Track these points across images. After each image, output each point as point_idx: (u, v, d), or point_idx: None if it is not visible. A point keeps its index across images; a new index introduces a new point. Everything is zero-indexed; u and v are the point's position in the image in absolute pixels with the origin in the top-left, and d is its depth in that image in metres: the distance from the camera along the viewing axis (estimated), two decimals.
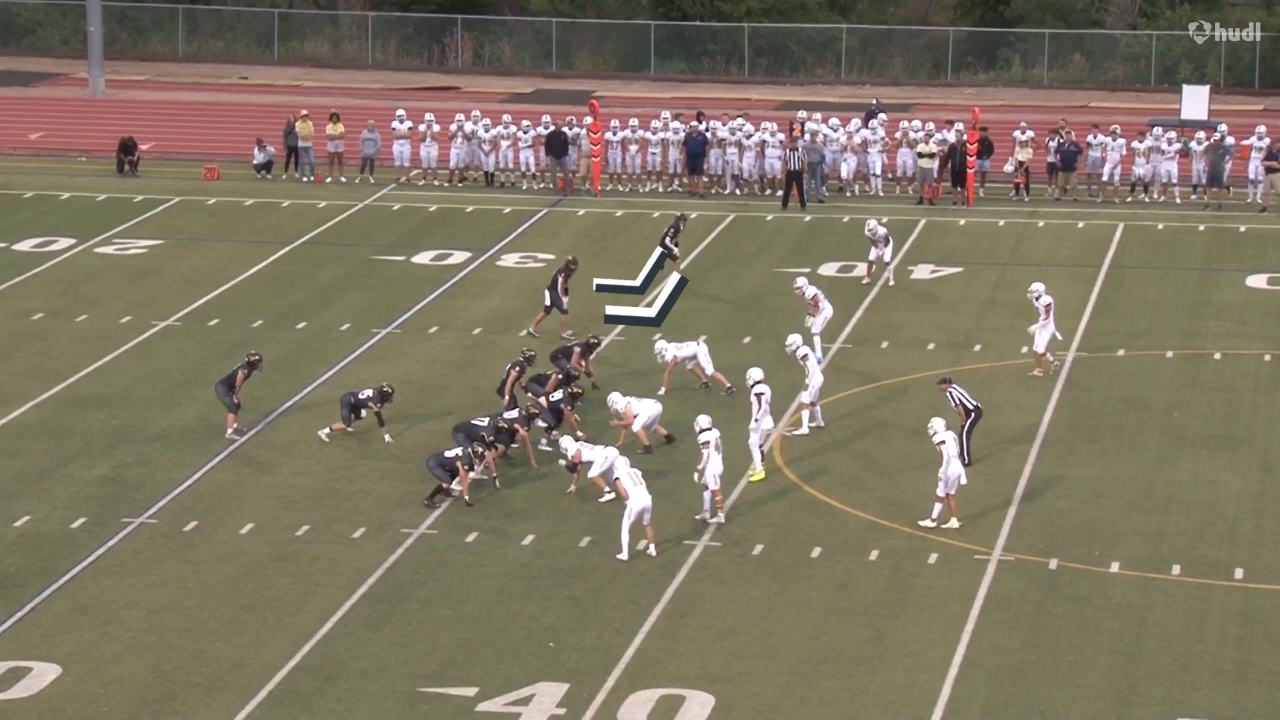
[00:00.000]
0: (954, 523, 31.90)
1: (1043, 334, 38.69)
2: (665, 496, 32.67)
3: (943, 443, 31.98)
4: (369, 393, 35.99)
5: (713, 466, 32.07)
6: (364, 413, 35.84)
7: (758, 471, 33.84)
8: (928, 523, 31.83)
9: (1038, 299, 38.80)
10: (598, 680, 27.04)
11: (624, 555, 30.85)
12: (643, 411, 34.94)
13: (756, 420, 33.81)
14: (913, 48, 72.60)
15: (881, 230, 45.04)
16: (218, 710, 26.34)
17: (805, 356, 35.93)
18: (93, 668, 27.54)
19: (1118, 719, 26.12)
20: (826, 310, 39.69)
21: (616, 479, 31.54)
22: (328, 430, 35.91)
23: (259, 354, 36.80)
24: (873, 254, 45.13)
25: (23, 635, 28.55)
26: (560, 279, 41.27)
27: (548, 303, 41.22)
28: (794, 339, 36.36)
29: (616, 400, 35.05)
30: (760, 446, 33.96)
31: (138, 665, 27.61)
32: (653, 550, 31.00)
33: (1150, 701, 26.48)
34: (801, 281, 40.57)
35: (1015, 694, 26.73)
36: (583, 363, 37.27)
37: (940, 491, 31.88)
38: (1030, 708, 26.37)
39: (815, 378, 36.02)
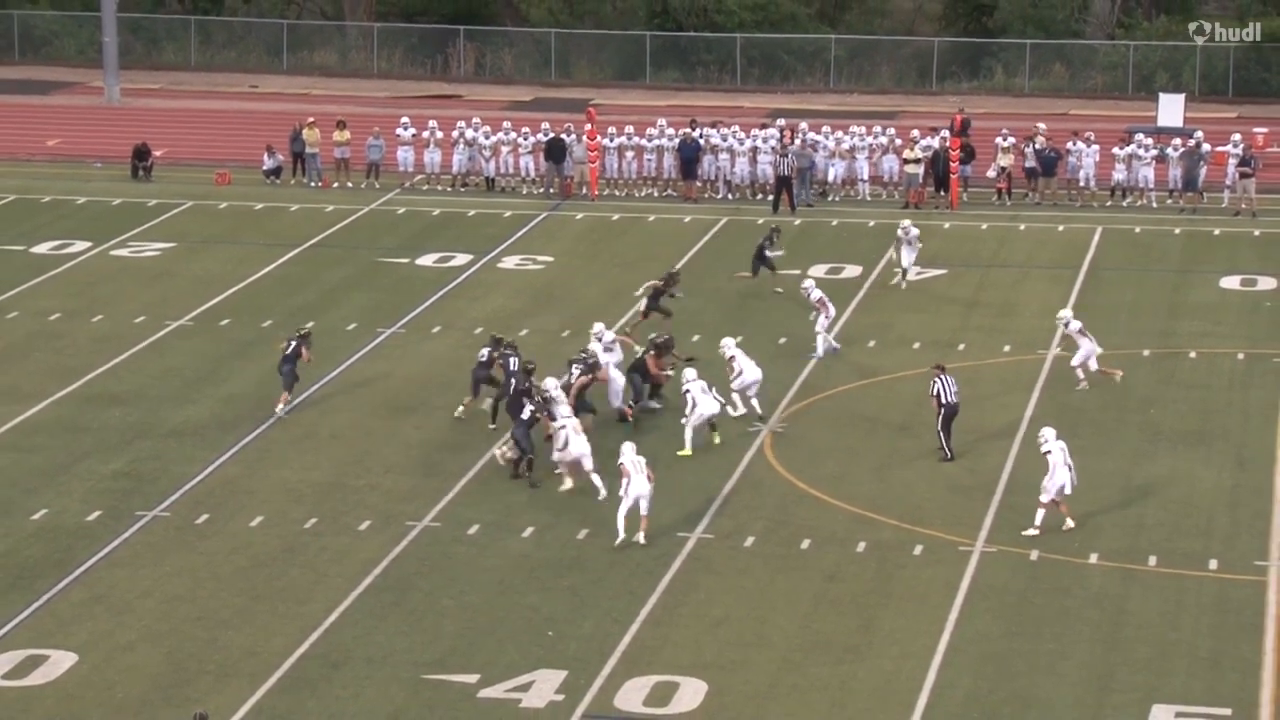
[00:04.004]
0: (1069, 523, 31.38)
1: (1084, 352, 37.92)
2: (664, 489, 32.73)
3: (1048, 452, 31.47)
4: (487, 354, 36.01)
5: (574, 447, 32.76)
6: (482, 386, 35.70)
7: (685, 449, 34.63)
8: (1031, 531, 31.22)
9: (1066, 326, 38.30)
10: (595, 667, 27.03)
11: (619, 542, 30.87)
12: (616, 380, 35.58)
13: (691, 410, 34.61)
14: (899, 57, 72.56)
15: (915, 231, 44.78)
16: (229, 696, 26.33)
17: (732, 358, 36.01)
18: (108, 655, 27.53)
19: (1097, 705, 26.13)
20: (831, 310, 40.13)
21: (620, 463, 31.34)
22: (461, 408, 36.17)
23: (308, 329, 37.54)
24: (901, 254, 44.63)
25: (40, 624, 28.54)
26: (656, 292, 40.65)
27: (642, 309, 40.93)
28: (726, 342, 36.35)
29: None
30: (693, 424, 34.71)
31: (152, 653, 27.60)
32: (642, 538, 30.95)
33: (1128, 688, 26.48)
34: (809, 284, 40.69)
35: (998, 681, 26.73)
36: (661, 362, 36.79)
37: (1044, 499, 31.38)
38: (1012, 694, 26.37)
39: (750, 372, 36.12)
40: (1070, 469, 31.41)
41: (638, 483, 30.95)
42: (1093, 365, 38.12)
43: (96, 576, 30.19)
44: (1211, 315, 43.47)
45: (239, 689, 26.51)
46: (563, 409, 33.73)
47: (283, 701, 26.28)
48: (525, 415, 33.73)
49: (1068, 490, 31.45)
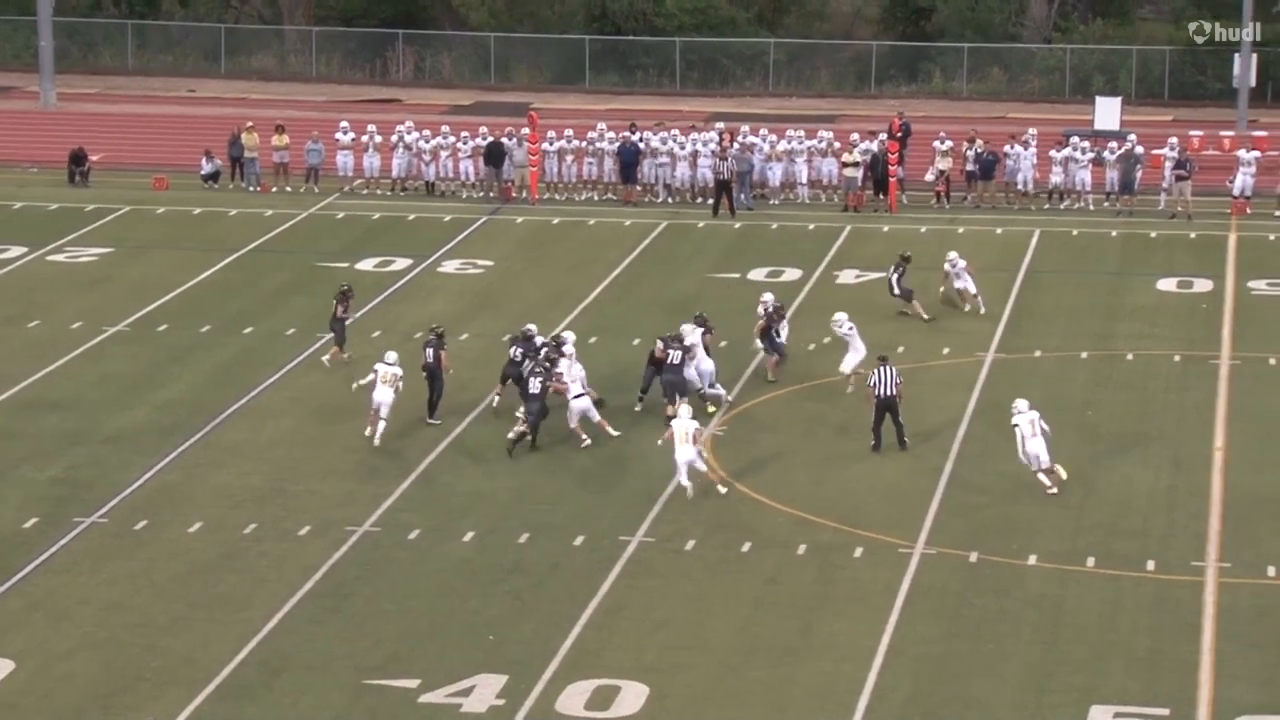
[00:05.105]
0: (1052, 488, 32.87)
1: (852, 357, 37.98)
2: (605, 493, 32.79)
3: (1016, 425, 32.85)
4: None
5: (378, 394, 35.25)
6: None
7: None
8: (1052, 491, 32.84)
9: (840, 328, 38.18)
10: (536, 671, 27.01)
11: (686, 487, 32.74)
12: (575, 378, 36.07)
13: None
14: (837, 61, 72.75)
15: (962, 262, 43.52)
16: (167, 704, 26.20)
17: (692, 345, 36.92)
18: (45, 663, 27.36)
19: (1035, 706, 26.22)
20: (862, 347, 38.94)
21: (670, 424, 33.21)
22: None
23: (347, 286, 40.19)
24: (957, 285, 43.39)
25: None
26: (896, 274, 42.49)
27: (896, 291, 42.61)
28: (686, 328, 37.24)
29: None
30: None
31: (90, 660, 27.45)
32: (722, 489, 32.87)
33: (1067, 689, 26.60)
34: (769, 297, 39.92)
35: (938, 682, 26.81)
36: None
37: (1034, 467, 32.78)
38: (952, 695, 26.45)
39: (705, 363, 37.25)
40: (1042, 437, 32.79)
41: (682, 451, 32.42)
42: (847, 368, 37.88)
43: (34, 584, 30.00)
44: (1148, 317, 43.71)
45: (177, 696, 26.39)
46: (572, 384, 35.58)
47: (222, 709, 26.17)
48: (535, 389, 34.82)
49: (1043, 461, 32.70)
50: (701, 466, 33.12)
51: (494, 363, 39.13)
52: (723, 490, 33.00)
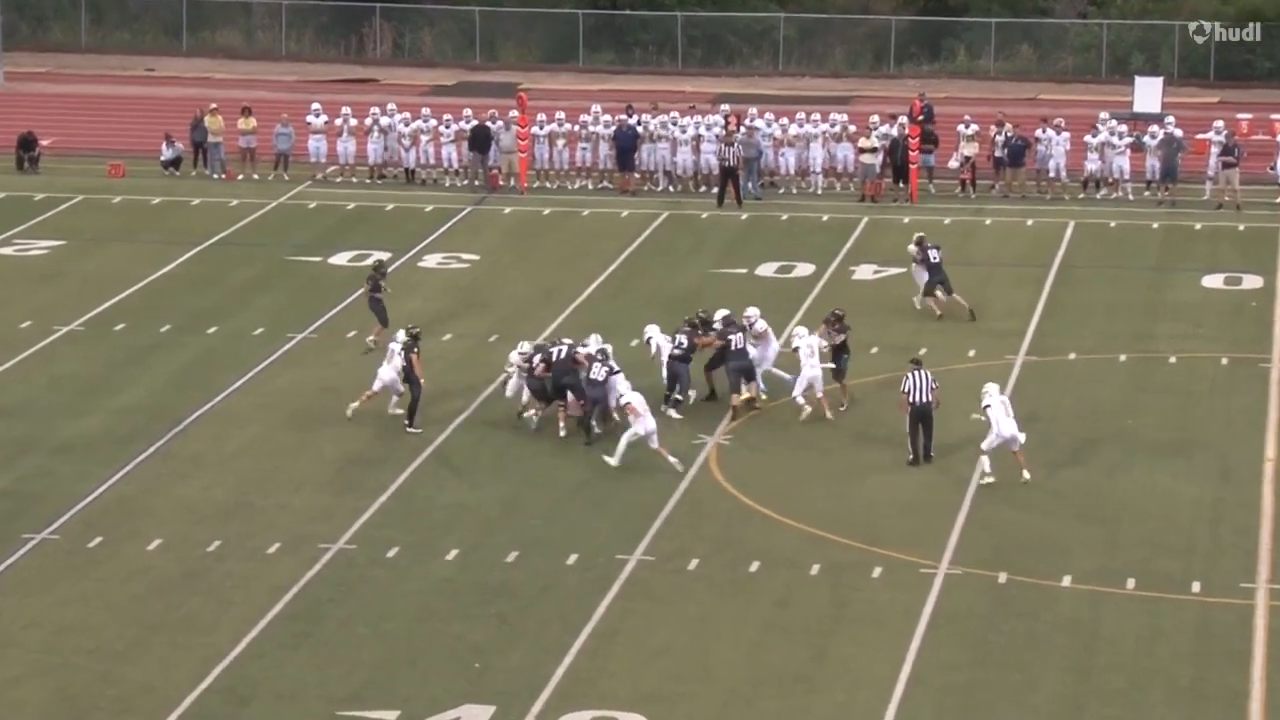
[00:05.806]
0: (1025, 475, 33.92)
1: (809, 377, 37.15)
2: (600, 507, 32.82)
3: (988, 406, 33.82)
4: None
5: (382, 371, 36.64)
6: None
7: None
8: (988, 479, 33.88)
9: (798, 340, 37.66)
10: (526, 702, 27.04)
11: (614, 461, 34.30)
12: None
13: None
14: (853, 38, 72.80)
15: (925, 247, 42.85)
16: None
17: (649, 340, 38.06)
18: None
19: None
20: (774, 344, 38.49)
21: (629, 403, 34.69)
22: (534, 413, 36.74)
23: (378, 261, 42.53)
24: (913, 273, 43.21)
25: None
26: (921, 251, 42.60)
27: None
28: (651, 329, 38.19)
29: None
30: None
31: (40, 688, 27.48)
32: (679, 466, 34.43)
33: None
34: (753, 312, 39.27)
35: (962, 713, 26.85)
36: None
37: (985, 446, 33.90)
38: None
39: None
40: (1014, 419, 33.85)
41: (644, 422, 34.18)
42: (798, 391, 37.16)
43: None
44: (1192, 316, 43.74)
45: None
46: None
47: None
48: (600, 376, 35.80)
49: (1016, 444, 33.70)
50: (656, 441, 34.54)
51: (478, 365, 39.27)
52: (679, 466, 34.43)
